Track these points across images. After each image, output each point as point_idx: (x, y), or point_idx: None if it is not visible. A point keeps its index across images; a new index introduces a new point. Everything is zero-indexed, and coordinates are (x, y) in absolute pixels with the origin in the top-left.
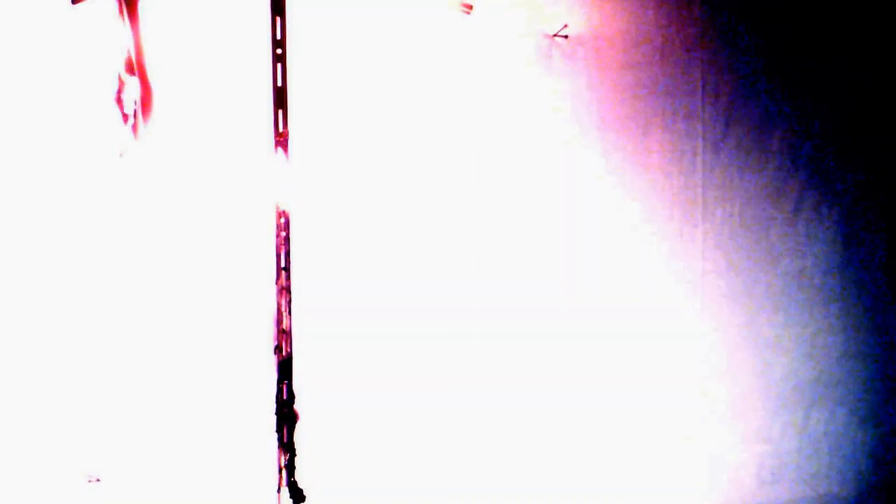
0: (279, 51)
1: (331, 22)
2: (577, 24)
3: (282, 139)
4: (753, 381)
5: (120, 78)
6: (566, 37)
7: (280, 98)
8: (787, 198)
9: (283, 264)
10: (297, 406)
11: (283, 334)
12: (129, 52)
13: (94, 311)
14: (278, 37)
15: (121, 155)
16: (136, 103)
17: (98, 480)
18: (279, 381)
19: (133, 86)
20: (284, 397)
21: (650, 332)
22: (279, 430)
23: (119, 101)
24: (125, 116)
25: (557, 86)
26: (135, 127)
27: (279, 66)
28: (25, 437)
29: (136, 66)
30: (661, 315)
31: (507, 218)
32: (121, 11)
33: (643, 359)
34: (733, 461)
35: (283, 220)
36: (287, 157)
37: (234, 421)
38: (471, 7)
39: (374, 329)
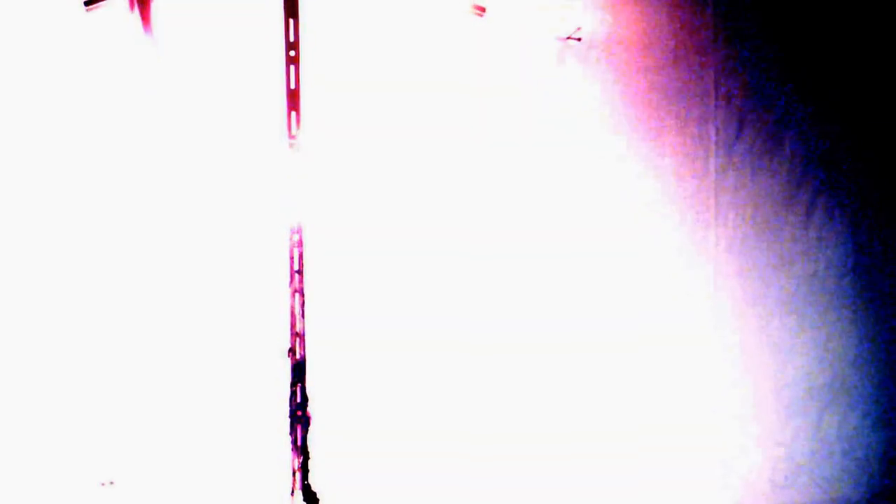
0: (292, 53)
1: (342, 25)
2: (591, 27)
3: (295, 141)
4: (766, 384)
5: None
6: (579, 39)
7: (293, 100)
8: (799, 201)
9: (296, 267)
10: (310, 409)
11: (297, 337)
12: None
13: (108, 315)
14: (291, 39)
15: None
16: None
17: (112, 483)
18: (293, 384)
19: None
20: (298, 400)
21: (663, 336)
22: (293, 432)
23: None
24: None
25: (569, 89)
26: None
27: (292, 67)
28: (39, 441)
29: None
30: (674, 318)
31: (517, 222)
32: (132, 8)
33: (655, 362)
34: (746, 464)
35: (296, 223)
36: (300, 159)
37: (247, 424)
38: (483, 10)
39: (388, 331)
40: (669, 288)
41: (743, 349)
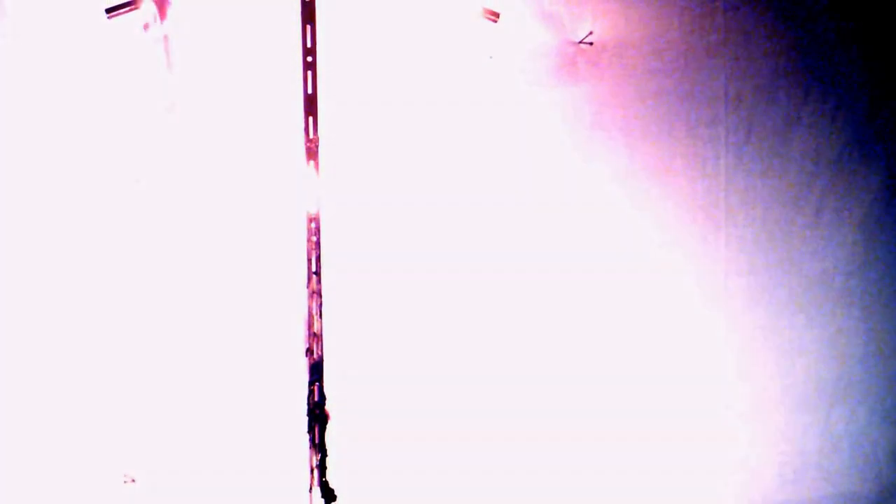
0: (309, 58)
1: (356, 29)
2: (602, 31)
3: (312, 145)
4: (775, 381)
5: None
6: (591, 44)
7: (310, 105)
8: (808, 201)
9: (314, 268)
10: (328, 407)
11: (315, 337)
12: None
13: (130, 315)
14: (308, 45)
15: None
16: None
17: (133, 481)
18: (311, 383)
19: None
20: (316, 398)
21: (673, 335)
22: (311, 430)
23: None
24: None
25: (582, 92)
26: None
27: (309, 73)
28: (63, 439)
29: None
30: (685, 317)
31: (530, 223)
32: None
33: (665, 361)
34: (755, 461)
35: (313, 225)
36: (317, 162)
37: (266, 422)
38: (497, 15)
39: (405, 332)
40: (679, 288)
41: (752, 347)
